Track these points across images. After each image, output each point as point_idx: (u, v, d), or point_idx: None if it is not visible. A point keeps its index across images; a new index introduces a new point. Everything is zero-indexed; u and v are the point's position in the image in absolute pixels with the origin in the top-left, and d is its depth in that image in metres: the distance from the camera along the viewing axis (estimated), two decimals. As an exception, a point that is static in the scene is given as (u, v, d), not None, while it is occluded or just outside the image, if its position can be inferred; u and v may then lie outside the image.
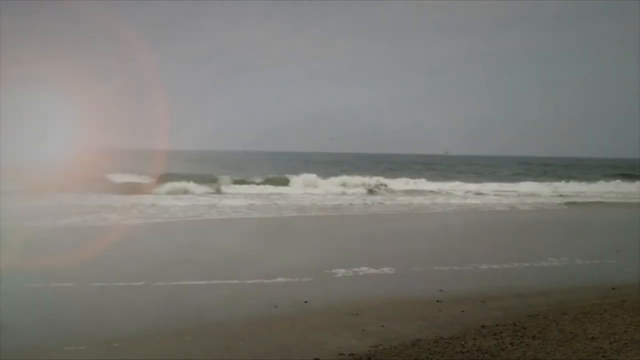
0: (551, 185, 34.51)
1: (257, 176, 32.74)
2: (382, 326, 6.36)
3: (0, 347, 5.60)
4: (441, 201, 24.39)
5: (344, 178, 32.16)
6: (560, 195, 28.96)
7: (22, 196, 18.85)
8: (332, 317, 6.81)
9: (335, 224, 17.08)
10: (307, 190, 28.00)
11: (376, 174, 35.91)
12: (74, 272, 8.67)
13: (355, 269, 9.52)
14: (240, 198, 23.01)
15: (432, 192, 29.89)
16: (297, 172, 34.45)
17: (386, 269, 9.62)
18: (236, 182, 29.80)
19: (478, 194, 29.35)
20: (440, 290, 8.14)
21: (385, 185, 31.10)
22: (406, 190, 30.46)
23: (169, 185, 25.94)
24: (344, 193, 27.33)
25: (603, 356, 5.09)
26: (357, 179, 31.97)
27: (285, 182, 30.70)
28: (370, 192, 28.80)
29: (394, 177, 35.23)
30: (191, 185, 26.12)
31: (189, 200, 21.55)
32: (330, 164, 53.33)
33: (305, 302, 7.46)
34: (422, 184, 33.45)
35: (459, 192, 30.23)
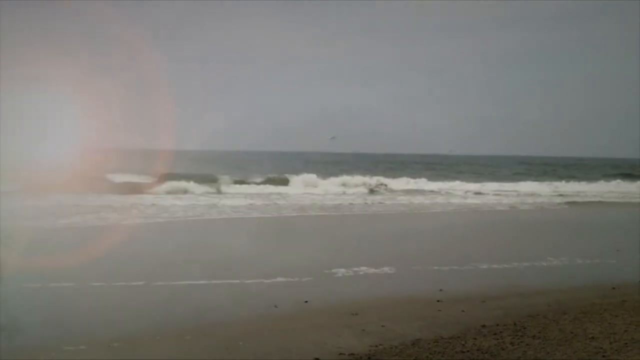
0: (551, 185, 34.52)
1: (257, 176, 32.75)
2: (382, 326, 6.35)
3: (0, 347, 5.60)
4: (441, 201, 24.39)
5: (344, 178, 32.18)
6: (561, 195, 28.96)
7: (22, 196, 18.85)
8: (332, 316, 6.80)
9: (335, 224, 17.08)
10: (307, 190, 28.01)
11: (376, 174, 35.92)
12: (73, 272, 8.66)
13: (356, 269, 9.52)
14: (240, 198, 23.01)
15: (432, 191, 29.90)
16: (297, 172, 34.46)
17: (386, 269, 9.62)
18: (236, 182, 29.81)
19: (478, 193, 29.35)
20: (441, 290, 8.14)
21: (385, 185, 31.10)
22: (406, 190, 30.47)
23: (169, 185, 25.94)
24: (344, 193, 27.32)
25: (603, 356, 5.09)
26: (357, 179, 31.98)
27: (285, 182, 30.70)
28: (371, 191, 28.80)
29: (394, 176, 35.23)
30: (191, 185, 26.12)
31: (188, 200, 21.55)
32: (330, 164, 53.30)
33: (306, 301, 7.46)
34: (422, 183, 33.45)
35: (459, 191, 30.24)
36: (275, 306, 7.23)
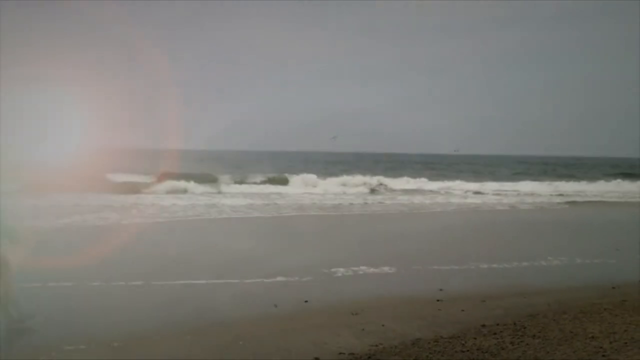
0: (551, 185, 34.52)
1: (257, 176, 32.75)
2: (382, 325, 6.35)
3: (0, 347, 5.60)
4: (441, 200, 24.39)
5: (344, 177, 32.20)
6: (561, 195, 28.95)
7: (22, 196, 18.83)
8: (332, 316, 6.80)
9: (335, 224, 17.07)
10: (307, 189, 28.02)
11: (376, 174, 35.92)
12: (73, 272, 8.65)
13: (355, 269, 9.52)
14: (240, 197, 23.01)
15: (432, 191, 29.90)
16: (297, 171, 34.48)
17: (386, 268, 9.62)
18: (236, 182, 29.82)
19: (478, 193, 29.35)
20: (440, 290, 8.14)
21: (385, 185, 31.10)
22: (406, 189, 30.47)
23: (169, 185, 25.95)
24: (344, 192, 27.32)
25: (603, 355, 5.08)
26: (357, 179, 31.98)
27: (285, 182, 30.72)
28: (371, 191, 28.80)
29: (394, 176, 35.24)
30: (191, 185, 26.13)
31: (188, 200, 21.54)
32: (330, 164, 53.34)
33: (305, 301, 7.46)
34: (422, 183, 33.45)
35: (459, 191, 30.24)
36: (275, 306, 7.23)
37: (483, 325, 6.27)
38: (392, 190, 29.71)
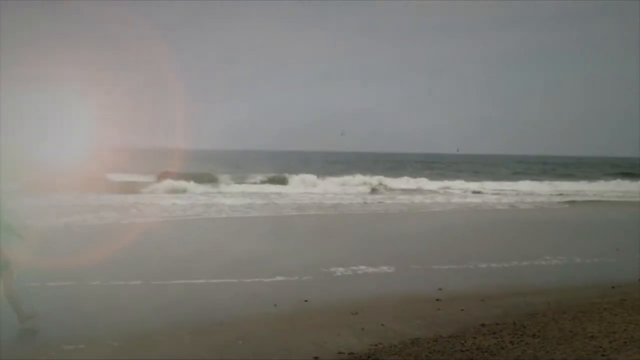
0: (551, 184, 34.53)
1: (257, 175, 32.77)
2: (382, 325, 6.35)
3: (0, 347, 5.60)
4: (441, 200, 24.39)
5: (344, 177, 32.20)
6: (560, 194, 28.95)
7: (22, 195, 18.83)
8: (332, 316, 6.80)
9: (334, 223, 17.07)
10: (307, 189, 28.03)
11: (376, 173, 35.94)
12: (72, 271, 8.65)
13: (355, 268, 9.53)
14: (240, 197, 23.00)
15: (431, 191, 29.90)
16: (297, 171, 34.51)
17: (385, 268, 9.63)
18: (236, 182, 29.84)
19: (478, 192, 29.35)
20: (440, 289, 8.14)
21: (385, 185, 31.10)
22: (406, 189, 30.47)
23: (168, 185, 25.97)
24: (343, 192, 27.32)
25: (602, 355, 5.08)
26: (357, 178, 31.99)
27: (285, 182, 30.73)
28: (371, 191, 28.79)
29: (394, 176, 35.25)
30: (191, 184, 26.14)
31: (188, 199, 21.55)
32: (330, 163, 53.35)
33: (305, 301, 7.46)
34: (422, 182, 33.45)
35: (459, 191, 30.24)
36: (275, 305, 7.23)
37: (482, 325, 6.27)
38: (392, 190, 29.72)
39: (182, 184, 26.13)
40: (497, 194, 28.81)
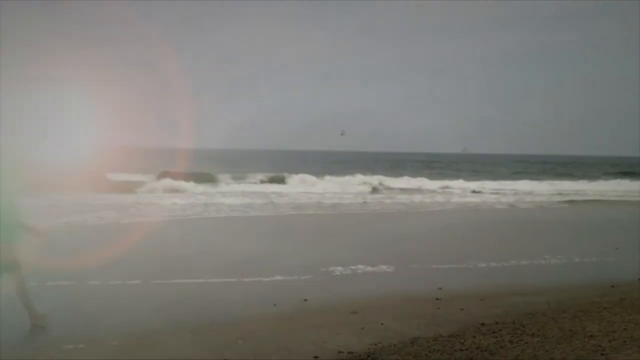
0: (551, 184, 34.55)
1: (257, 175, 32.79)
2: (381, 324, 6.36)
3: (0, 346, 5.60)
4: (440, 199, 24.39)
5: (344, 177, 32.22)
6: (560, 194, 28.96)
7: (22, 195, 18.82)
8: (331, 315, 6.80)
9: (334, 223, 17.06)
10: (306, 189, 28.03)
11: (376, 172, 35.99)
12: (72, 271, 8.66)
13: (354, 268, 9.53)
14: (239, 196, 23.00)
15: (431, 190, 29.91)
16: (297, 170, 34.53)
17: (385, 267, 9.63)
18: (236, 181, 29.85)
19: (477, 192, 29.35)
20: (440, 288, 8.14)
21: (385, 185, 31.11)
22: (406, 188, 30.48)
23: (168, 184, 25.97)
24: (343, 191, 27.33)
25: (602, 354, 5.08)
26: (357, 178, 32.01)
27: (284, 181, 30.75)
28: (370, 190, 28.80)
29: (394, 175, 35.28)
30: (190, 184, 26.14)
31: (187, 199, 21.54)
32: (330, 163, 53.34)
33: (305, 300, 7.46)
34: (422, 182, 33.48)
35: (459, 190, 30.25)
36: (274, 305, 7.23)
37: (482, 324, 6.27)
38: (392, 189, 29.72)
39: (181, 183, 26.14)
40: (497, 193, 28.82)
